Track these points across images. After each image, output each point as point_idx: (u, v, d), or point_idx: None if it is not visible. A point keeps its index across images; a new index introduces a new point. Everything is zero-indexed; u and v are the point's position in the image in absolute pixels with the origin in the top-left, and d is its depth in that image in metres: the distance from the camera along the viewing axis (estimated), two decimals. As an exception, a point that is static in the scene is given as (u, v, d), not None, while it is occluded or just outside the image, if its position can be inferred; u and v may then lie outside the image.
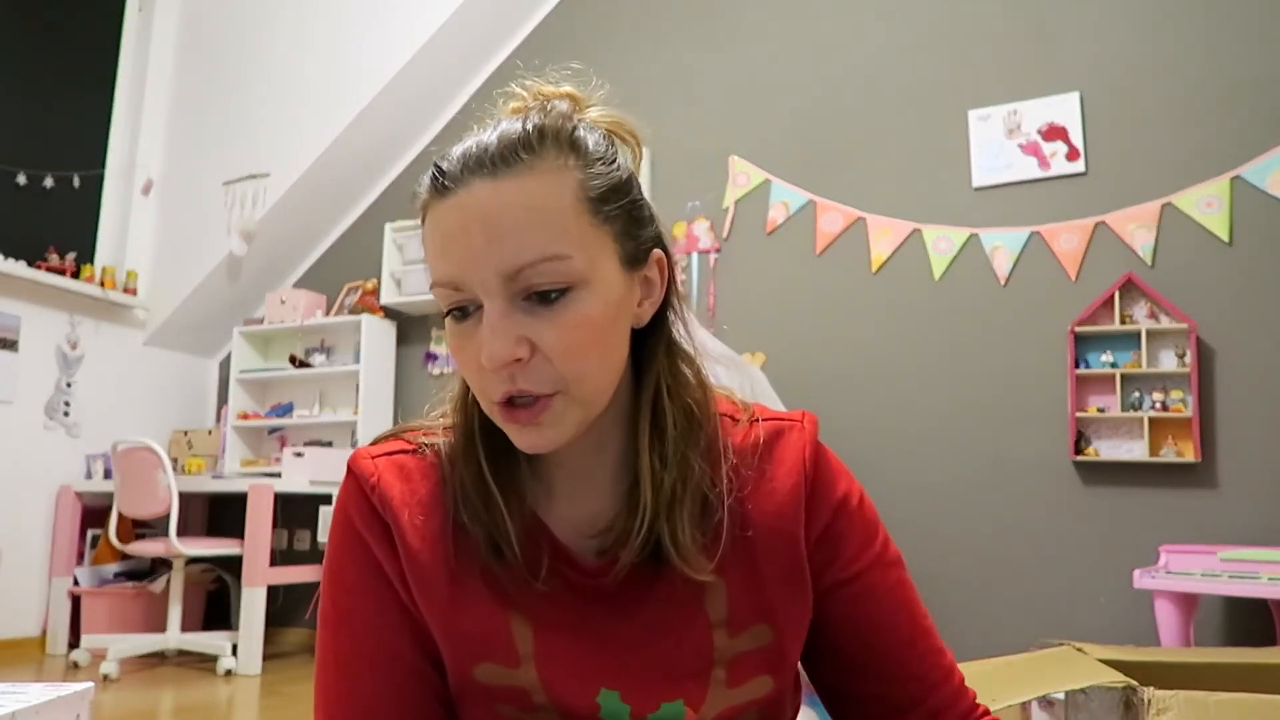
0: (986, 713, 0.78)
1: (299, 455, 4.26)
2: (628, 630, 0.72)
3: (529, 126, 0.67)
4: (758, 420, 0.78)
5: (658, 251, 0.72)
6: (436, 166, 0.67)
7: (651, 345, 0.74)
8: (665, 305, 0.74)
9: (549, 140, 0.66)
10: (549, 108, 0.70)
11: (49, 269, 4.43)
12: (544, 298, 0.64)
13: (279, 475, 4.28)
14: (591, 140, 0.69)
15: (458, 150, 0.67)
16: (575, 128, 0.69)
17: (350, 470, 0.75)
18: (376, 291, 4.73)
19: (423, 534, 0.72)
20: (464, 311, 0.67)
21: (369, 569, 0.73)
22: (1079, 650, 1.91)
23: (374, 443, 0.78)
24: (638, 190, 0.72)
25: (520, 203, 0.64)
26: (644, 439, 0.71)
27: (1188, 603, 2.83)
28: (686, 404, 0.73)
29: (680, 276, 4.41)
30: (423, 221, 0.69)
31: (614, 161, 0.70)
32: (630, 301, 0.70)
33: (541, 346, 0.64)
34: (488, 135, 0.67)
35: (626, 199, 0.69)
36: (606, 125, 0.73)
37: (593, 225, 0.66)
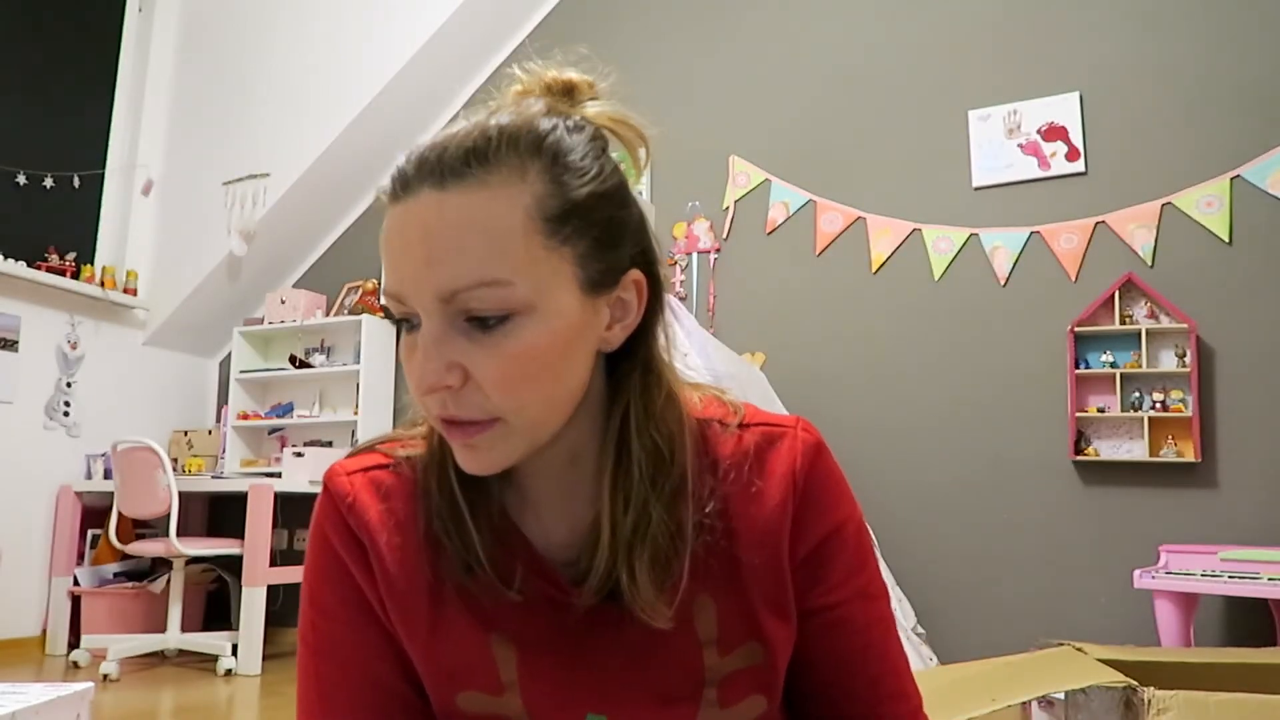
0: None
1: (299, 455, 4.25)
2: (614, 650, 0.68)
3: (490, 130, 0.61)
4: (749, 426, 0.73)
5: (635, 273, 0.66)
6: (398, 165, 0.62)
7: (625, 370, 0.68)
8: (643, 328, 0.68)
9: (507, 147, 0.60)
10: (523, 106, 0.64)
11: (49, 269, 4.43)
12: (483, 323, 0.60)
13: (279, 475, 4.28)
14: (568, 145, 0.63)
15: (418, 148, 0.62)
16: (548, 132, 0.62)
17: (326, 487, 0.72)
18: (376, 291, 4.73)
19: (400, 557, 0.69)
20: (411, 323, 0.63)
21: (348, 592, 0.71)
22: (1079, 650, 1.91)
23: (350, 455, 0.75)
24: (617, 205, 0.65)
25: (462, 221, 0.59)
26: (606, 478, 0.66)
27: (1188, 603, 2.83)
28: (654, 442, 0.67)
29: (679, 278, 4.36)
30: None
31: (588, 173, 0.63)
32: (593, 327, 0.64)
33: (475, 375, 0.60)
34: (451, 133, 0.62)
35: (597, 216, 0.63)
36: (605, 123, 0.67)
37: (546, 248, 0.60)
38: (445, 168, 0.60)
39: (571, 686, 0.68)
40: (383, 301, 4.07)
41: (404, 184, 0.61)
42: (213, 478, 4.46)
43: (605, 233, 0.63)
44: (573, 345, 0.62)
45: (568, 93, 0.67)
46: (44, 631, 4.26)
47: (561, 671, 0.68)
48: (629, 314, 0.67)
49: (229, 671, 3.69)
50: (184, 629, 3.95)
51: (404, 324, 0.64)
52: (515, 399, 0.61)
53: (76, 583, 4.26)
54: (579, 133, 0.65)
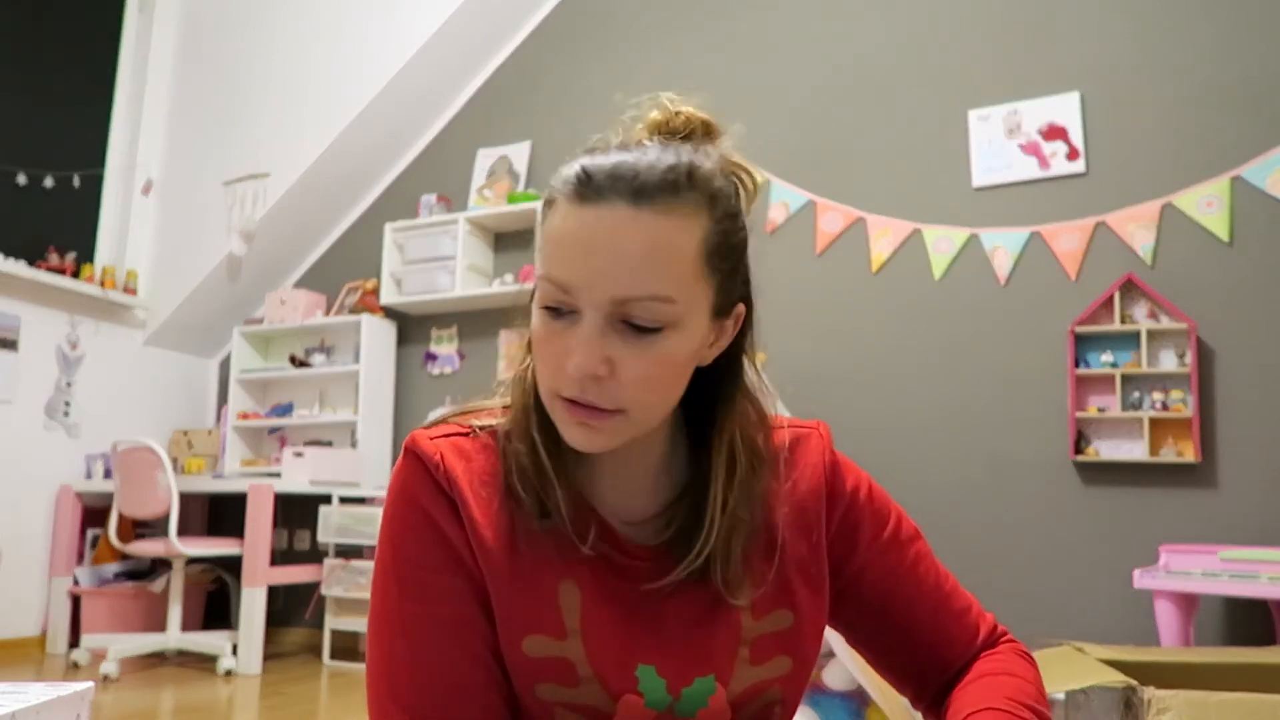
0: (1003, 637, 0.87)
1: (299, 455, 4.25)
2: (664, 610, 0.76)
3: (680, 167, 0.69)
4: (781, 427, 0.84)
5: (741, 305, 0.77)
6: (585, 169, 0.69)
7: (727, 387, 0.79)
8: (739, 349, 0.79)
9: (696, 187, 0.69)
10: (705, 152, 0.73)
11: (49, 269, 4.43)
12: (638, 329, 0.68)
13: (279, 475, 4.28)
14: (729, 195, 0.73)
15: (609, 161, 0.69)
16: (723, 182, 0.72)
17: (411, 452, 0.77)
18: (376, 291, 4.73)
19: (485, 507, 0.76)
20: (559, 310, 0.70)
21: (438, 543, 0.75)
22: (1079, 650, 1.91)
23: (427, 427, 0.81)
24: (746, 248, 0.76)
25: (650, 239, 0.67)
26: (718, 472, 0.76)
27: (1188, 603, 2.83)
28: (755, 444, 0.79)
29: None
30: (546, 209, 0.72)
31: (739, 220, 0.74)
32: (706, 345, 0.75)
33: (620, 371, 0.69)
34: (643, 157, 0.69)
35: (737, 256, 0.74)
36: (734, 168, 0.76)
37: (701, 275, 0.70)
38: (640, 188, 0.68)
39: (626, 638, 0.75)
40: (382, 302, 4.11)
41: (596, 191, 0.68)
42: (213, 478, 4.46)
43: (737, 269, 0.75)
44: (693, 359, 0.73)
45: (706, 132, 0.76)
46: (44, 631, 4.26)
47: (619, 623, 0.76)
48: (724, 337, 0.77)
49: (229, 671, 3.70)
50: (184, 629, 3.95)
51: (549, 310, 0.70)
52: (645, 397, 0.70)
53: (76, 583, 4.26)
54: (733, 182, 0.75)
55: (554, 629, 0.74)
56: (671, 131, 0.75)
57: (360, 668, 3.95)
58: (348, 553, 4.11)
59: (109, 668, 3.54)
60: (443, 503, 0.75)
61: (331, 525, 4.04)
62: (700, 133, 0.75)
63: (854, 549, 0.83)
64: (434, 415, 0.86)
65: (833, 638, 2.01)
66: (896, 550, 0.84)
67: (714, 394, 0.79)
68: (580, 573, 0.76)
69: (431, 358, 4.73)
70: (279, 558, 4.45)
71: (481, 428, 0.80)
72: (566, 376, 0.69)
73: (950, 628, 0.84)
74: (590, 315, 0.68)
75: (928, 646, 0.84)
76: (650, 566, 0.77)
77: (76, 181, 4.74)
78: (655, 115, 0.76)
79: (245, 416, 4.85)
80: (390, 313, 4.77)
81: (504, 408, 0.80)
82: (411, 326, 4.80)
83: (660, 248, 0.67)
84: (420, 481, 0.76)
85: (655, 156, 0.69)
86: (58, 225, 4.68)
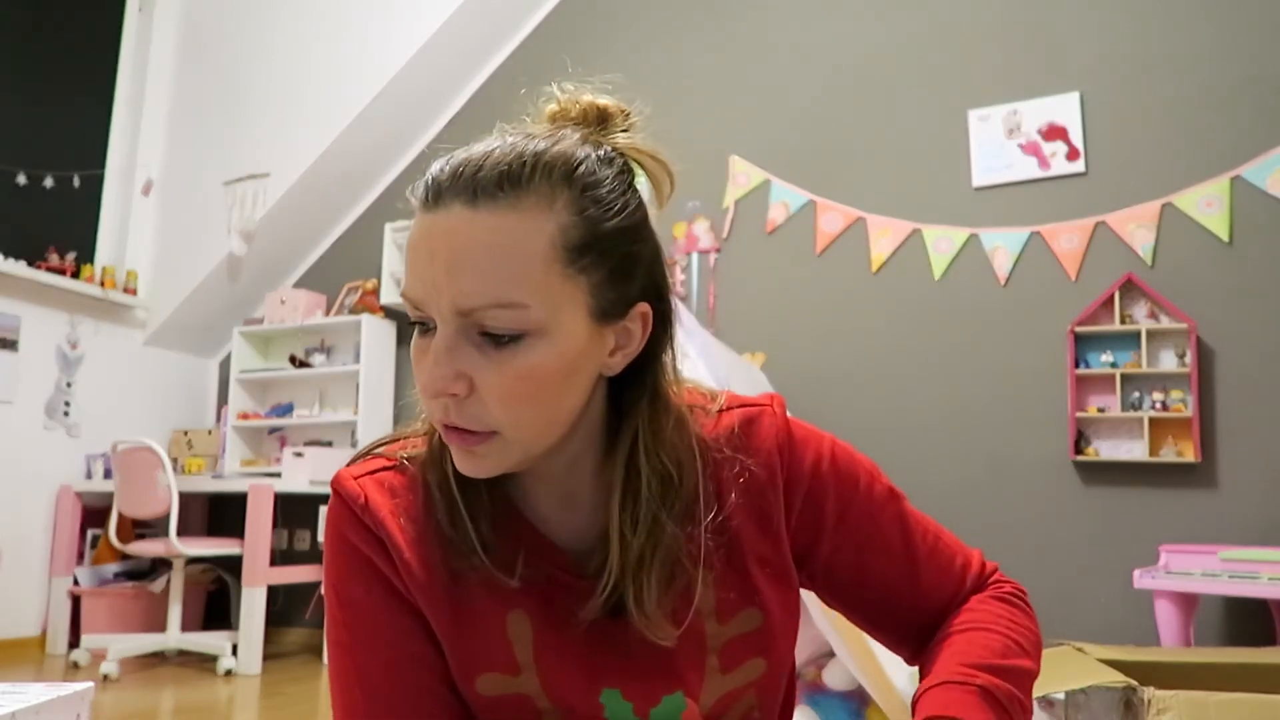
0: (990, 578, 0.85)
1: (299, 455, 4.25)
2: (625, 627, 0.70)
3: (526, 155, 0.63)
4: (729, 409, 0.77)
5: (643, 305, 0.69)
6: (430, 173, 0.65)
7: (633, 397, 0.72)
8: (651, 357, 0.72)
9: (540, 175, 0.63)
10: (559, 135, 0.67)
11: (49, 269, 4.43)
12: (495, 339, 0.62)
13: (279, 475, 4.28)
14: (597, 178, 0.65)
15: (454, 159, 0.64)
16: (581, 163, 0.65)
17: (336, 493, 0.73)
18: (376, 291, 4.73)
19: (417, 548, 0.71)
20: (425, 326, 0.65)
21: (377, 583, 0.72)
22: (1079, 650, 1.91)
23: (351, 463, 0.76)
24: (635, 239, 0.67)
25: (488, 241, 0.61)
26: (615, 499, 0.69)
27: (1188, 603, 2.83)
28: (663, 464, 0.71)
29: (679, 278, 4.35)
30: None
31: (612, 207, 0.65)
32: (598, 352, 0.67)
33: (480, 387, 0.63)
34: (487, 150, 0.64)
35: (616, 251, 0.65)
36: (634, 155, 0.70)
37: (565, 276, 0.63)
38: (479, 186, 0.62)
39: (585, 664, 0.71)
40: (382, 302, 4.09)
41: (436, 195, 0.63)
42: (213, 478, 4.46)
43: (621, 265, 0.66)
44: (576, 369, 0.65)
45: (601, 120, 0.70)
46: (44, 631, 4.26)
47: (575, 649, 0.71)
48: (632, 343, 0.70)
49: (229, 671, 3.69)
50: (184, 629, 3.95)
51: (418, 325, 0.66)
52: (514, 415, 0.64)
53: (76, 583, 4.26)
54: (609, 165, 0.67)
55: (506, 666, 0.70)
56: (570, 123, 0.69)
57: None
58: (348, 553, 4.09)
59: (109, 668, 3.54)
60: (375, 544, 0.71)
61: (331, 525, 4.03)
62: (595, 121, 0.70)
63: (821, 527, 0.77)
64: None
65: (832, 636, 2.01)
66: (868, 518, 0.77)
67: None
68: (527, 600, 0.71)
69: (431, 358, 4.73)
70: (279, 558, 4.44)
71: (409, 458, 0.74)
72: (426, 399, 0.64)
73: (932, 585, 0.79)
74: (441, 329, 0.63)
75: (909, 610, 0.79)
76: (594, 590, 0.71)
77: (76, 181, 4.74)
78: (552, 107, 0.71)
79: (245, 416, 4.85)
80: (390, 313, 4.77)
81: (425, 434, 0.75)
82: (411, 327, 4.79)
83: (500, 249, 0.61)
84: (349, 523, 0.72)
85: (501, 149, 0.64)
86: (58, 225, 4.68)
